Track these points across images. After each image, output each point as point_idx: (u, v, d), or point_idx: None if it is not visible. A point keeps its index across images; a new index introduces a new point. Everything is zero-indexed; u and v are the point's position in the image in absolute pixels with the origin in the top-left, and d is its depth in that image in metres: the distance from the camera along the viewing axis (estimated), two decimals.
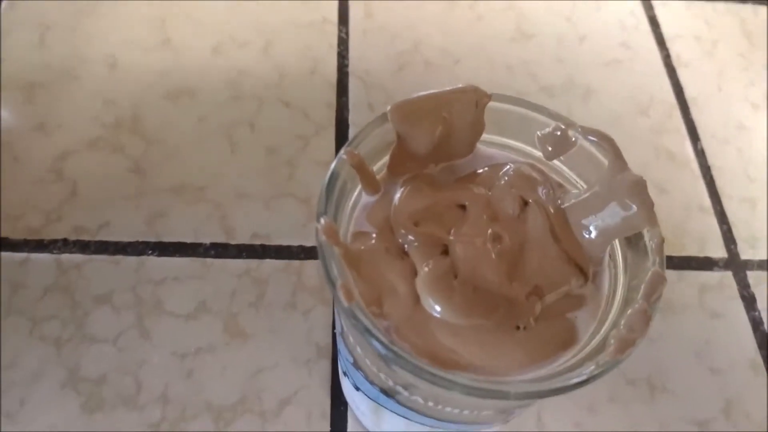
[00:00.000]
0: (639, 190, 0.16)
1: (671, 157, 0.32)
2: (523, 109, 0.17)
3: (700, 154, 0.33)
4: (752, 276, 0.29)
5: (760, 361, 0.27)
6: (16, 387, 0.23)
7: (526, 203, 0.17)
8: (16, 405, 0.23)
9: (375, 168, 0.17)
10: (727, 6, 0.38)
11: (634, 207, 0.16)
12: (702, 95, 0.35)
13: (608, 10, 0.37)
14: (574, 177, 0.17)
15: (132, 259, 0.26)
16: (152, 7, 0.33)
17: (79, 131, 0.29)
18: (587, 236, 0.16)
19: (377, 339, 0.14)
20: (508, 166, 0.17)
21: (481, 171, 0.18)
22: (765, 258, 0.30)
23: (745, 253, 0.30)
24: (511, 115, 0.17)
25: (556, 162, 0.18)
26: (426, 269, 0.16)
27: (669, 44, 0.36)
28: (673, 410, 0.26)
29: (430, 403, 0.16)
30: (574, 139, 0.17)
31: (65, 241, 0.27)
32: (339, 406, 0.24)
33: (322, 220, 0.15)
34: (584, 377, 0.13)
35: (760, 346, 0.28)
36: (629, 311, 0.14)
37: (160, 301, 0.26)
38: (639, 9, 0.38)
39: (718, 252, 0.30)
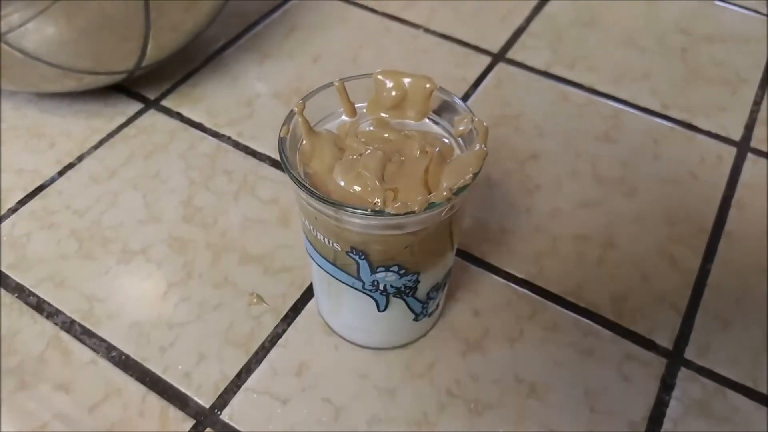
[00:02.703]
0: (482, 156, 0.25)
1: (672, 264, 0.36)
2: (453, 101, 0.27)
3: (704, 273, 0.36)
4: (684, 373, 0.32)
5: (641, 430, 0.30)
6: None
7: (426, 152, 0.27)
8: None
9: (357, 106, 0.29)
10: None
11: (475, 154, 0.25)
12: (739, 234, 0.38)
13: (699, 146, 0.43)
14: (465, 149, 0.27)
15: None
16: (373, 22, 0.50)
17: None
18: (445, 178, 0.25)
19: (287, 161, 0.25)
20: (430, 133, 0.28)
21: (415, 131, 0.28)
22: (707, 368, 0.32)
23: (691, 356, 0.33)
24: (448, 104, 0.28)
25: (459, 139, 0.27)
26: (349, 157, 0.26)
27: (738, 188, 0.40)
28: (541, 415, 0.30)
29: (327, 240, 0.27)
30: (470, 126, 0.26)
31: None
32: None
33: (301, 101, 0.27)
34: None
35: (649, 420, 0.30)
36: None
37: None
38: (729, 155, 0.42)
39: (665, 343, 0.33)
